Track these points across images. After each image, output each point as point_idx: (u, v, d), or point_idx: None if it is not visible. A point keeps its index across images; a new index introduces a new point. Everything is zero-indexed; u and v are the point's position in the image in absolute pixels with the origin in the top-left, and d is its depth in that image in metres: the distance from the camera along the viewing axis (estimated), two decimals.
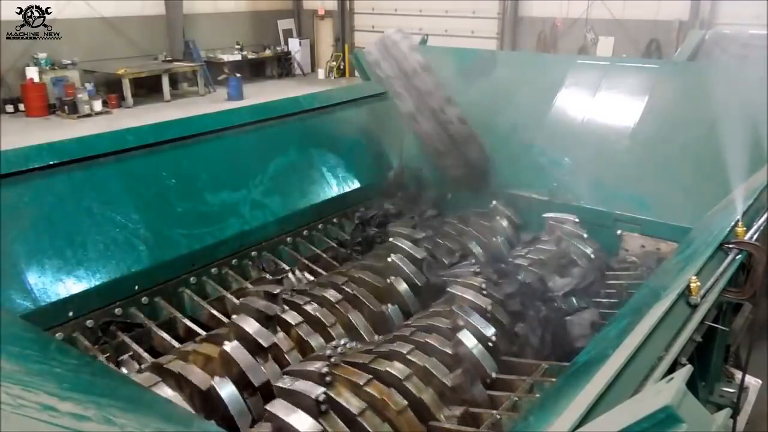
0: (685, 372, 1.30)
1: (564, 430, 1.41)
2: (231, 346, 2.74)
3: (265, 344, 2.79)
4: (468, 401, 2.61)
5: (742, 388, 3.04)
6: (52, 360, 2.10)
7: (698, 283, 2.16)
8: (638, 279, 3.62)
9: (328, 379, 2.39)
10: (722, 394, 2.98)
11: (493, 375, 2.79)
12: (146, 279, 3.37)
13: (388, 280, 3.44)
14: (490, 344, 2.88)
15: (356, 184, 4.73)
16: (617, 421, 1.18)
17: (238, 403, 2.59)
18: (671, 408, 1.08)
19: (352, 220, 4.54)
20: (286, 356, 2.88)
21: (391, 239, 3.76)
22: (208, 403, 2.58)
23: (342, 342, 2.78)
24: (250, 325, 2.85)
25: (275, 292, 3.06)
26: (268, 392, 2.66)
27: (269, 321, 2.93)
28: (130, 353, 3.01)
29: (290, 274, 3.78)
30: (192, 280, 3.60)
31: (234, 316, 2.99)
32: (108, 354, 3.02)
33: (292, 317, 3.06)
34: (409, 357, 2.67)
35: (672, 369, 1.87)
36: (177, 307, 3.42)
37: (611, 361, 1.76)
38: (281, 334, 2.97)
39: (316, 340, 3.01)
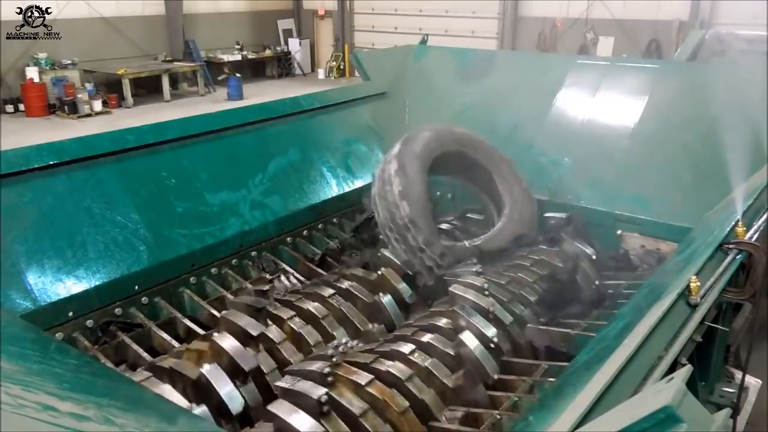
0: (685, 372, 1.30)
1: (564, 430, 1.41)
2: (220, 336, 2.74)
3: (254, 333, 2.78)
4: (469, 402, 2.62)
5: (742, 388, 3.05)
6: (52, 360, 2.10)
7: (698, 283, 2.16)
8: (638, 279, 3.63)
9: (330, 379, 2.39)
10: (722, 394, 2.98)
11: (495, 377, 2.79)
12: (146, 279, 3.37)
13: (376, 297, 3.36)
14: (491, 345, 2.88)
15: (356, 184, 4.73)
16: (617, 421, 1.18)
17: (229, 388, 2.57)
18: (671, 408, 1.08)
19: (352, 220, 4.54)
20: (279, 348, 2.88)
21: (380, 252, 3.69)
22: (200, 394, 2.57)
23: (343, 341, 2.78)
24: (240, 318, 2.85)
25: (265, 289, 3.07)
26: (260, 379, 2.68)
27: (259, 313, 2.93)
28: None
29: (282, 277, 3.75)
30: (192, 280, 3.60)
31: (223, 312, 3.00)
32: (108, 354, 3.02)
33: (284, 312, 3.06)
34: (410, 357, 2.67)
35: (672, 369, 1.87)
36: (177, 307, 3.42)
37: (611, 361, 1.76)
38: (273, 328, 2.97)
39: (297, 359, 2.90)
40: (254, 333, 2.80)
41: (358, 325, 3.19)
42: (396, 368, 2.58)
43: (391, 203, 3.54)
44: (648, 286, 2.86)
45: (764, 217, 2.82)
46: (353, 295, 3.33)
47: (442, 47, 6.04)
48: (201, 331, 3.16)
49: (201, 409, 2.52)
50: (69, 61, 17.01)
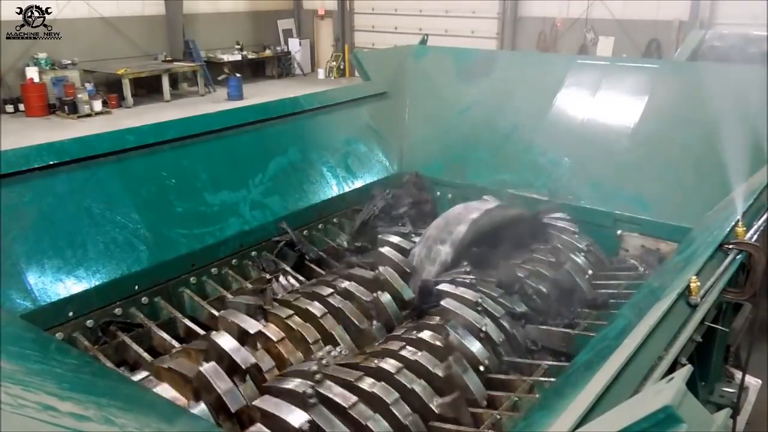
0: (685, 372, 1.30)
1: (564, 430, 1.41)
2: (218, 335, 2.75)
3: (251, 331, 2.85)
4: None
5: (742, 388, 3.05)
6: (52, 360, 2.10)
7: (698, 283, 2.16)
8: (638, 279, 3.63)
9: (312, 401, 2.32)
10: (722, 394, 2.98)
11: (484, 402, 2.63)
12: (146, 279, 3.37)
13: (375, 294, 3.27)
14: (481, 368, 2.73)
15: (356, 184, 4.73)
16: (617, 421, 1.18)
17: (228, 386, 2.52)
18: (671, 408, 1.08)
19: (352, 220, 4.54)
20: (277, 346, 2.88)
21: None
22: (200, 392, 2.52)
23: (327, 350, 2.75)
24: (238, 317, 2.88)
25: (263, 288, 3.07)
26: (258, 377, 2.69)
27: (257, 312, 3.01)
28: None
29: (282, 277, 3.72)
30: (192, 280, 3.60)
31: (222, 312, 3.02)
32: (108, 354, 3.02)
33: (282, 311, 3.06)
34: (395, 376, 2.55)
35: (672, 369, 1.88)
36: (177, 307, 3.42)
37: (611, 361, 1.76)
38: (272, 326, 2.98)
39: (295, 358, 2.89)
40: (252, 331, 2.82)
41: (357, 323, 3.14)
42: (380, 388, 2.46)
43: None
44: (648, 286, 2.86)
45: (764, 217, 2.82)
46: (352, 294, 3.29)
47: (442, 47, 6.05)
48: (201, 331, 3.17)
49: (200, 407, 2.49)
50: (69, 61, 17.00)
